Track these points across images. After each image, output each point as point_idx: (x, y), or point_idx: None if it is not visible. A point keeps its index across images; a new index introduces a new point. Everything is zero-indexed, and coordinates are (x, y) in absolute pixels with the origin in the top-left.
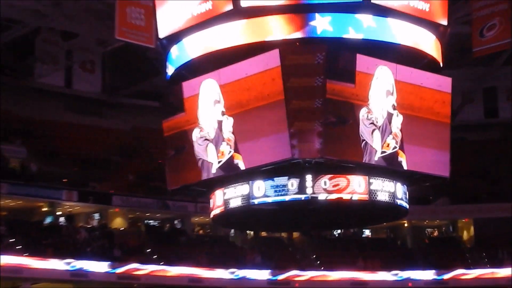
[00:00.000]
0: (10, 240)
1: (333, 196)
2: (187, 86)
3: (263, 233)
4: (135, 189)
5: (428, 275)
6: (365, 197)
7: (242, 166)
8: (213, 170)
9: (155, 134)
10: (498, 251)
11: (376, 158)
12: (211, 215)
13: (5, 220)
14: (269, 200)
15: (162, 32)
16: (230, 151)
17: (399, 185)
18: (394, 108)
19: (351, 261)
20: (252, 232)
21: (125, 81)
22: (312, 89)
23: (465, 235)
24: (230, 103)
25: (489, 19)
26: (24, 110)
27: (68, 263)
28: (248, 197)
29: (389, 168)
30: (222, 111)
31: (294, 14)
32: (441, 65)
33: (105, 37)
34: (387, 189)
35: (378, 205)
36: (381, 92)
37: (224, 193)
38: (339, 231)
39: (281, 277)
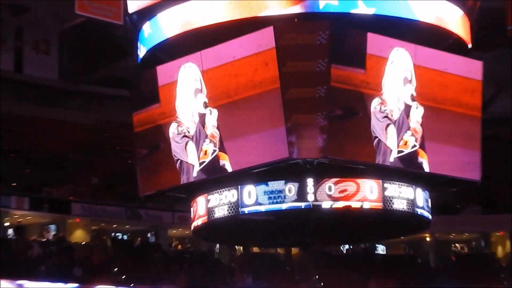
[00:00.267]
0: None
1: (340, 204)
2: (162, 72)
3: (255, 249)
4: (99, 195)
5: None
6: (378, 205)
7: (229, 168)
8: (194, 173)
9: (123, 128)
10: None
11: (391, 159)
12: (192, 227)
13: None
14: (262, 209)
15: (132, 6)
16: (214, 150)
17: (419, 191)
18: (413, 99)
19: (362, 282)
20: (241, 248)
21: (87, 65)
22: (314, 75)
23: (499, 251)
24: (215, 93)
25: None
26: None
27: (19, 285)
28: (237, 205)
29: (407, 170)
30: (205, 102)
31: None
32: (470, 46)
33: (63, 12)
34: (405, 196)
35: (394, 215)
36: (397, 79)
37: (208, 200)
38: (346, 246)
39: None
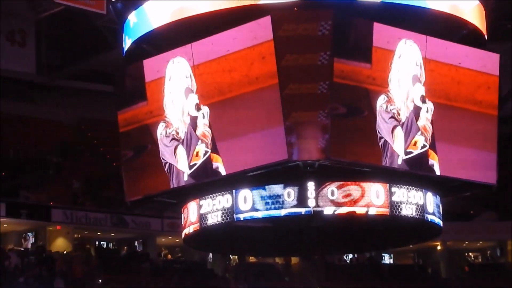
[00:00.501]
0: None
1: (343, 210)
2: (150, 66)
3: (251, 258)
4: (82, 200)
5: None
6: (385, 211)
7: (222, 171)
8: (185, 176)
9: (107, 127)
10: None
11: (399, 161)
12: (183, 235)
13: None
14: (259, 215)
15: None
16: (206, 151)
17: (430, 195)
18: (424, 101)
19: None
20: (236, 257)
21: (66, 57)
22: (315, 69)
23: None
24: (206, 90)
25: None
26: None
27: None
28: (231, 211)
29: (416, 173)
30: (197, 104)
31: None
32: (486, 37)
33: None
34: (414, 201)
35: (402, 221)
36: (405, 76)
37: (200, 206)
38: (350, 255)
39: None
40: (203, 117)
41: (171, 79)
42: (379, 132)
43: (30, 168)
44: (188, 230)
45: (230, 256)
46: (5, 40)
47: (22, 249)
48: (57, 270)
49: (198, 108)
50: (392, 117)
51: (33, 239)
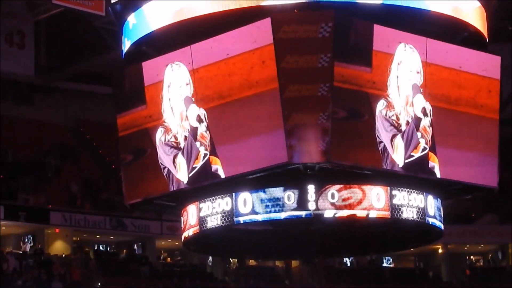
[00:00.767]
0: None
1: (344, 213)
2: (149, 69)
3: (251, 262)
4: (80, 203)
5: None
6: (385, 214)
7: (222, 174)
8: (184, 180)
9: (105, 129)
10: None
11: (400, 164)
12: (182, 238)
13: None
14: (259, 218)
15: None
16: (205, 154)
17: (431, 198)
18: (425, 114)
19: None
20: (236, 260)
21: (65, 59)
22: (315, 71)
23: None
24: (206, 93)
25: None
26: None
27: None
28: (231, 214)
29: (417, 176)
30: (198, 116)
31: None
32: (487, 39)
33: (38, 1)
34: (415, 204)
35: (403, 224)
36: (405, 83)
37: (200, 209)
38: (351, 258)
39: None
40: (206, 131)
41: (170, 85)
42: (378, 137)
43: (29, 170)
44: (188, 233)
45: (230, 259)
46: (4, 41)
47: (21, 252)
48: (55, 273)
49: (199, 119)
50: (392, 125)
51: (32, 242)
